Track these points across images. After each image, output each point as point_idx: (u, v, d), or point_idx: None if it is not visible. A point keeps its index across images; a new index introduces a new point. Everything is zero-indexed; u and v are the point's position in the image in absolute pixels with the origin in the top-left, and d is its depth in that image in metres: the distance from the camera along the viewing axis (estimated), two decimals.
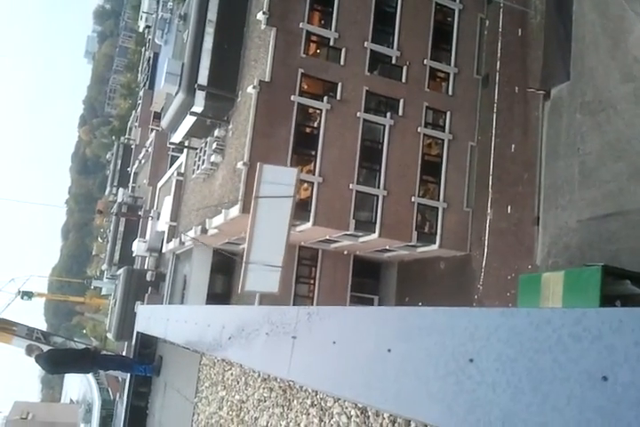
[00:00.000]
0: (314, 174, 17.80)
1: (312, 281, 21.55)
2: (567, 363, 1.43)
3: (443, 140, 19.47)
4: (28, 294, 43.60)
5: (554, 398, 1.42)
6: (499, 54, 19.33)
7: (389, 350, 2.11)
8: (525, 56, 18.16)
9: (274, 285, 13.50)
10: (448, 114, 19.62)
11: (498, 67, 19.27)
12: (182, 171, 25.48)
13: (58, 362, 7.81)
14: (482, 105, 19.69)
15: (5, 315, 23.91)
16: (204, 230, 20.29)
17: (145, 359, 8.29)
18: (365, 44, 18.91)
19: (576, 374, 1.40)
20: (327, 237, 19.28)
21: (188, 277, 24.36)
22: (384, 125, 18.71)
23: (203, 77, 19.41)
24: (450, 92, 19.98)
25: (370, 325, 2.36)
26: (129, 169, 46.47)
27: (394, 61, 19.41)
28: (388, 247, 19.65)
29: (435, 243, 18.66)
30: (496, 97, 19.05)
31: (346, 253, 21.13)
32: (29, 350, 7.83)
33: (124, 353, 27.67)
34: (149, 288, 27.74)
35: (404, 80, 19.38)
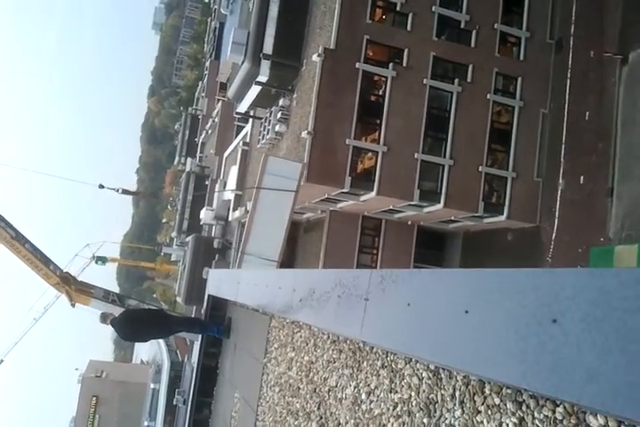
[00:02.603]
0: (378, 143, 17.66)
1: (375, 251, 21.59)
2: None
3: (513, 107, 18.83)
4: (101, 259, 45.65)
5: None
6: (573, 17, 18.36)
7: (467, 312, 2.11)
8: (602, 19, 17.17)
9: None
10: (519, 80, 18.92)
11: (572, 30, 18.34)
12: (248, 141, 25.80)
13: (133, 323, 7.90)
14: (555, 71, 18.85)
15: (81, 279, 25.22)
16: None
17: (216, 321, 8.61)
18: (433, 8, 18.36)
19: None
20: (391, 207, 19.19)
21: None
22: (451, 92, 18.25)
23: (268, 46, 19.41)
24: (521, 58, 19.22)
25: (446, 287, 2.36)
26: (196, 139, 47.43)
27: (463, 26, 18.80)
28: (453, 218, 19.39)
29: (502, 214, 18.25)
30: (570, 62, 18.19)
31: (409, 223, 21.00)
32: (104, 318, 7.97)
33: (192, 315, 28.77)
34: (216, 255, 28.58)
35: (472, 45, 18.77)
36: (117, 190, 25.05)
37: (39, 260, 22.82)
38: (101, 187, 24.25)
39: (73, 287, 23.49)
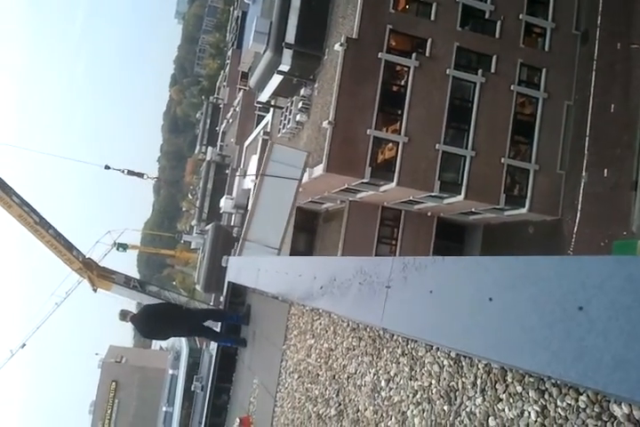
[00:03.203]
0: (399, 134, 17.57)
1: (394, 242, 21.55)
2: None
3: (537, 98, 18.58)
4: (122, 246, 46.11)
5: None
6: (600, 8, 18.01)
7: (491, 299, 2.11)
8: (630, 10, 16.82)
9: None
10: (544, 71, 18.65)
11: (599, 22, 18.00)
12: (268, 130, 25.83)
13: (152, 321, 7.82)
14: (580, 62, 18.55)
15: (102, 265, 25.58)
16: None
17: (235, 308, 8.68)
18: None
19: None
20: (411, 198, 19.11)
21: None
22: (475, 83, 18.06)
23: (290, 36, 19.37)
24: (546, 49, 18.94)
25: (470, 274, 2.36)
26: (217, 128, 47.59)
27: (487, 16, 18.56)
28: (473, 210, 19.27)
29: (524, 206, 18.09)
30: (596, 54, 17.90)
31: (429, 214, 20.90)
32: (123, 315, 7.93)
33: (211, 303, 29.06)
34: (236, 244, 28.73)
35: (497, 35, 18.54)
36: (123, 171, 25.23)
37: (62, 245, 23.13)
38: (107, 168, 24.48)
39: (95, 273, 23.82)
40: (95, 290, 24.21)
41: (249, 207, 13.69)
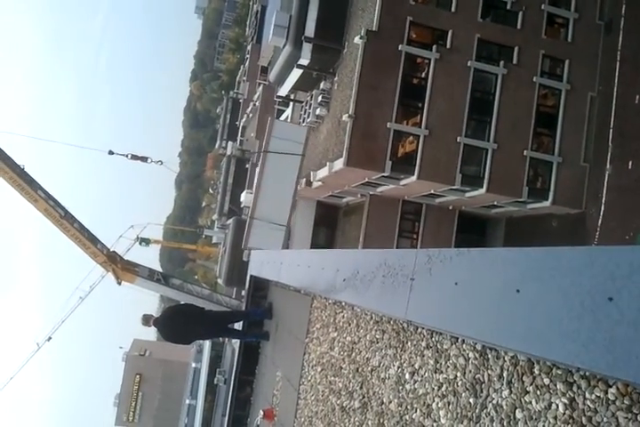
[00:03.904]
0: (420, 127, 17.46)
1: (415, 236, 21.45)
2: None
3: (560, 90, 18.31)
4: (145, 241, 46.52)
5: None
6: None
7: (518, 291, 2.10)
8: None
9: (277, 244, 13.25)
10: (566, 62, 18.37)
11: (623, 11, 17.64)
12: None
13: (175, 324, 7.71)
14: (604, 53, 18.22)
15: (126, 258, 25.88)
16: (309, 183, 20.66)
17: (258, 302, 8.73)
18: None
19: None
20: (432, 192, 19.00)
21: (292, 228, 25.03)
22: (496, 75, 17.86)
23: (310, 29, 19.31)
24: (569, 39, 18.65)
25: (497, 266, 2.35)
26: (237, 123, 47.70)
27: (508, 7, 18.32)
28: (495, 203, 19.10)
29: (547, 199, 17.87)
30: (620, 44, 17.55)
31: (451, 208, 20.76)
32: (146, 320, 7.85)
33: (233, 297, 29.24)
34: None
35: (519, 27, 18.29)
36: (127, 156, 25.51)
37: (87, 239, 23.42)
38: (111, 153, 24.75)
39: (119, 266, 24.10)
40: (119, 283, 24.51)
41: (254, 186, 13.63)
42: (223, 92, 76.38)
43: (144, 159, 26.35)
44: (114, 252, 24.91)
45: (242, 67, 57.52)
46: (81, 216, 23.92)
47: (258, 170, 13.57)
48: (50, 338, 33.89)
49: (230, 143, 43.79)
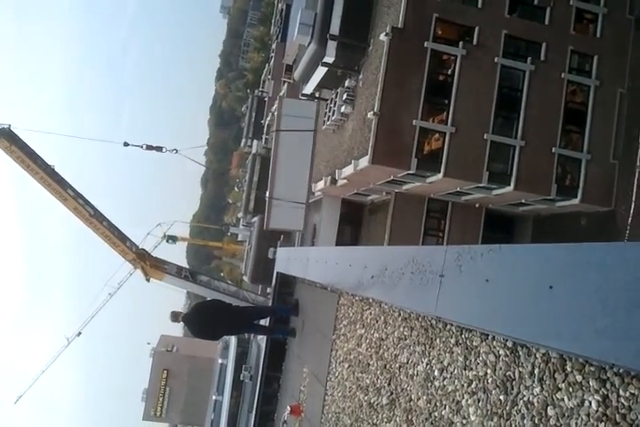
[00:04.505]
0: (446, 124, 17.31)
1: (440, 234, 21.31)
2: None
3: (589, 86, 18.00)
4: (172, 238, 47.02)
5: None
6: None
7: (551, 287, 2.09)
8: None
9: (299, 222, 13.05)
10: (595, 58, 18.05)
11: None
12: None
13: (204, 319, 7.79)
14: (634, 48, 17.84)
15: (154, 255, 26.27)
16: (334, 181, 20.65)
17: (284, 299, 8.78)
18: None
19: None
20: (458, 190, 18.85)
21: (317, 226, 25.09)
22: (524, 71, 17.63)
23: (335, 27, 19.28)
24: (598, 35, 18.31)
25: (529, 262, 2.34)
26: (262, 121, 47.90)
27: (536, 2, 18.08)
28: (523, 201, 18.88)
29: (576, 197, 17.60)
30: None
31: (477, 206, 20.57)
32: (175, 316, 7.97)
33: (258, 293, 29.43)
34: (281, 236, 29.00)
35: (546, 22, 18.02)
36: (142, 146, 25.74)
37: (116, 237, 23.82)
38: (126, 145, 25.01)
39: (148, 263, 24.48)
40: (148, 280, 24.89)
41: (270, 166, 13.46)
42: (248, 90, 76.71)
43: (159, 149, 26.57)
44: (143, 249, 25.29)
45: (267, 65, 57.71)
46: (108, 213, 24.33)
47: (272, 150, 13.39)
48: (79, 333, 34.53)
49: (255, 142, 44.02)
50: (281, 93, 40.13)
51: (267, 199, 13.41)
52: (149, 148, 25.99)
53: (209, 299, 18.97)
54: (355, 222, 25.18)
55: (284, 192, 12.90)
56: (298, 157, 13.13)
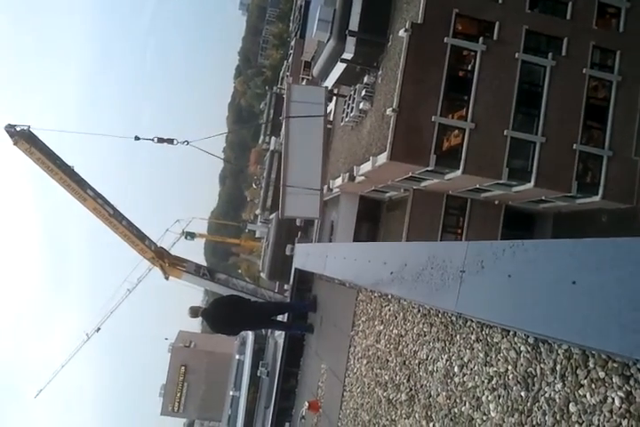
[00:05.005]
0: (465, 120, 17.20)
1: (459, 231, 21.18)
2: None
3: (611, 82, 17.75)
4: (190, 235, 47.42)
5: None
6: None
7: (574, 282, 2.08)
8: None
9: (315, 210, 12.85)
10: (618, 53, 17.78)
11: None
12: (331, 119, 25.83)
13: (223, 314, 7.85)
14: None
15: (172, 253, 26.45)
16: (352, 177, 20.63)
17: (302, 295, 8.79)
18: None
19: None
20: (477, 186, 18.73)
21: (335, 223, 25.09)
22: (545, 67, 17.43)
23: (354, 23, 19.24)
24: (620, 30, 18.04)
25: (551, 258, 2.32)
26: (281, 118, 47.94)
27: None
28: (543, 198, 18.69)
29: (597, 194, 17.39)
30: None
31: (497, 203, 20.41)
32: (194, 312, 7.94)
33: (276, 290, 29.53)
34: (299, 233, 29.05)
35: (568, 17, 17.80)
36: (153, 140, 25.92)
37: (135, 236, 24.02)
38: (137, 138, 25.22)
39: (167, 261, 24.66)
40: (167, 278, 25.08)
41: (282, 153, 13.30)
42: (267, 87, 76.90)
43: (170, 141, 26.75)
44: (161, 248, 25.48)
45: (285, 62, 57.76)
46: (127, 211, 24.53)
47: (283, 137, 13.31)
48: (99, 329, 34.96)
49: (273, 138, 44.10)
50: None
51: (280, 187, 13.28)
52: (160, 140, 26.15)
53: (228, 294, 19.10)
54: (372, 219, 25.14)
55: (297, 179, 12.76)
56: (309, 144, 12.98)
